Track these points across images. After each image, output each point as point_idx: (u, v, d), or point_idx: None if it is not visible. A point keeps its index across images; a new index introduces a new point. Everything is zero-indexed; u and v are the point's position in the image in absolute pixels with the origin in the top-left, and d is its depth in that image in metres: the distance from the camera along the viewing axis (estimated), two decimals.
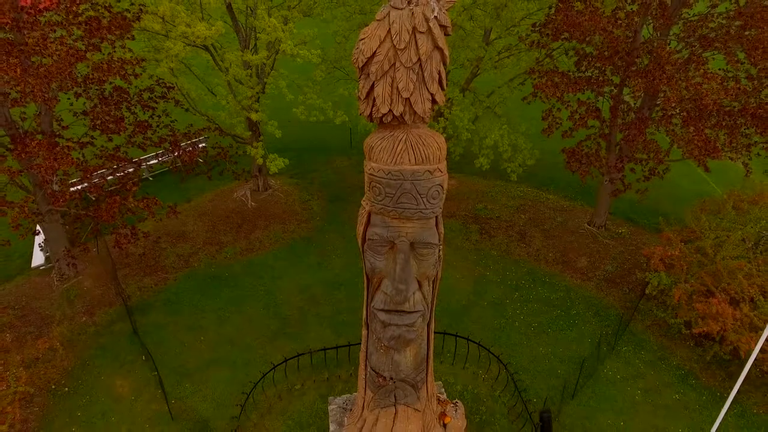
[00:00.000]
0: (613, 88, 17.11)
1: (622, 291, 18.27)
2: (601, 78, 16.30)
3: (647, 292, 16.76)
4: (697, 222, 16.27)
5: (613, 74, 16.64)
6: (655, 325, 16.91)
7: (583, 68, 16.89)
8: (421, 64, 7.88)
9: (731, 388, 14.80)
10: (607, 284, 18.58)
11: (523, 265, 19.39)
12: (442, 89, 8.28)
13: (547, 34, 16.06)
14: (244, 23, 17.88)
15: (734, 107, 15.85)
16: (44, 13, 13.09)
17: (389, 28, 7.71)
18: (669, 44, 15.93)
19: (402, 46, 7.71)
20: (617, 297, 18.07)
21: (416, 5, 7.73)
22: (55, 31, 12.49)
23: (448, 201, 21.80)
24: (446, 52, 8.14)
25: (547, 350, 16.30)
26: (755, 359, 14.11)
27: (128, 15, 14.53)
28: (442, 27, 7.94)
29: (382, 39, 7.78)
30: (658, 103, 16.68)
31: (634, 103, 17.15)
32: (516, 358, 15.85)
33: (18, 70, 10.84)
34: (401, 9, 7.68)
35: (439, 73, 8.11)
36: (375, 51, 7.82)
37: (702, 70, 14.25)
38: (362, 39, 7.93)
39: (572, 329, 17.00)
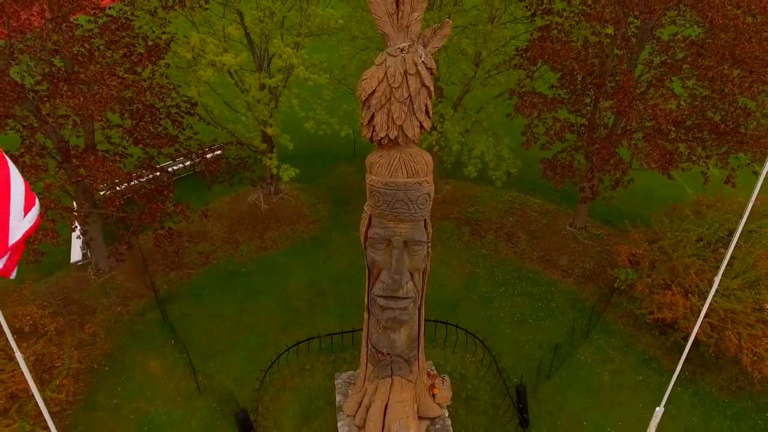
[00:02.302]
0: (581, 108, 19.12)
1: (597, 286, 20.33)
2: (574, 98, 18.38)
3: (615, 286, 18.86)
4: (660, 224, 18.36)
5: (586, 93, 18.69)
6: (625, 316, 18.96)
7: (566, 84, 18.91)
8: (411, 99, 9.96)
9: (687, 371, 16.98)
10: (584, 280, 20.64)
11: (510, 263, 21.45)
12: (428, 117, 10.37)
13: (527, 58, 18.18)
14: (259, 46, 20.00)
15: (694, 121, 17.88)
16: (90, 41, 15.21)
17: (386, 71, 9.76)
18: (635, 68, 17.96)
19: (396, 85, 9.77)
20: (593, 291, 20.15)
21: (407, 52, 9.80)
22: (107, 62, 14.63)
23: (442, 204, 24.10)
24: (432, 89, 10.25)
25: (528, 337, 18.38)
26: (710, 344, 16.21)
27: (160, 42, 16.66)
28: (428, 69, 10.03)
29: (380, 79, 9.86)
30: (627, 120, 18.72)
31: (607, 120, 19.18)
32: (500, 344, 17.91)
33: (81, 98, 13.01)
34: (395, 56, 9.74)
35: (426, 105, 10.20)
36: (374, 89, 9.89)
37: (660, 92, 16.31)
38: (364, 79, 10.03)
39: (551, 319, 19.08)
